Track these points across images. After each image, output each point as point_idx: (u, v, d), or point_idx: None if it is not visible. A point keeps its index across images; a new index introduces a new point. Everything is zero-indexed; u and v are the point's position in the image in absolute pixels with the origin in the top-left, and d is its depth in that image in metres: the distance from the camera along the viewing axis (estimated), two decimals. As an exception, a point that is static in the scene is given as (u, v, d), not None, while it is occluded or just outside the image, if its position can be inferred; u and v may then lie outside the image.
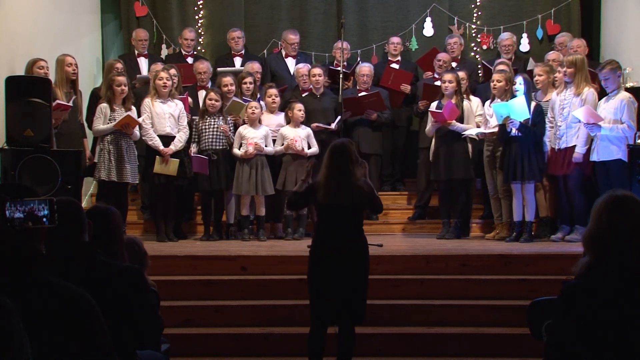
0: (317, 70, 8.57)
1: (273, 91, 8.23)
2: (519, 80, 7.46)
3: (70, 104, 7.47)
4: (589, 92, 7.28)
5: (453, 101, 7.79)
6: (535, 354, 4.26)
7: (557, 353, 2.70)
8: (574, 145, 7.30)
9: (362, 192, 4.86)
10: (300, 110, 8.01)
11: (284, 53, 9.42)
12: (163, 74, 7.78)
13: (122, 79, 7.61)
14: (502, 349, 5.47)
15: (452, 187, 7.91)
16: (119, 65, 8.20)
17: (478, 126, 7.84)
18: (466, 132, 7.73)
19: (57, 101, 7.22)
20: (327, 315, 4.83)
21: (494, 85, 7.69)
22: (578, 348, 2.65)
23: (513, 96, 7.48)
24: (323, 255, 4.84)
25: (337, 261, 4.77)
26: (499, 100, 7.67)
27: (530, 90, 7.55)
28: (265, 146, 7.90)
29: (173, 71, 8.00)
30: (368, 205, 5.07)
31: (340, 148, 4.90)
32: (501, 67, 7.95)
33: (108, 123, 7.51)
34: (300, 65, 8.92)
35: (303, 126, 8.09)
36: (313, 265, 4.89)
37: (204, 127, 7.94)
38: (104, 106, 7.56)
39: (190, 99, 8.31)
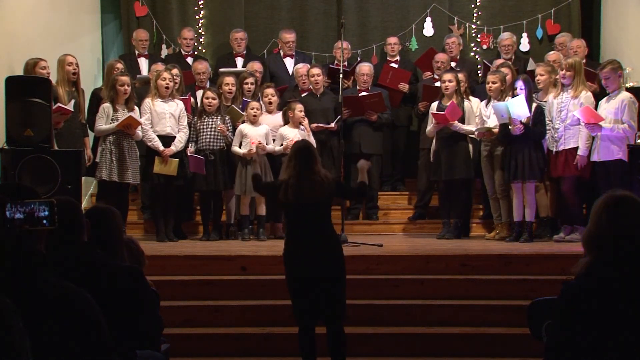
0: (316, 70, 8.57)
1: (269, 91, 8.22)
2: (519, 84, 7.47)
3: (71, 108, 7.46)
4: (586, 95, 7.29)
5: (454, 101, 7.79)
6: (535, 354, 4.26)
7: (557, 353, 2.70)
8: (572, 148, 7.31)
9: (327, 188, 4.85)
10: (301, 110, 8.01)
11: (282, 53, 9.42)
12: (166, 74, 7.78)
13: (125, 78, 7.62)
14: (502, 349, 5.47)
15: (453, 187, 7.91)
16: (120, 66, 8.21)
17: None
18: (466, 128, 7.73)
19: (58, 104, 7.22)
20: (309, 315, 4.83)
21: (489, 86, 7.69)
22: (578, 348, 2.65)
23: (514, 97, 7.48)
24: (295, 256, 4.83)
25: (310, 261, 4.75)
26: (495, 101, 7.68)
27: (532, 91, 7.56)
28: (267, 145, 7.90)
29: (175, 71, 8.00)
30: (345, 195, 5.13)
31: (302, 147, 4.97)
32: (502, 68, 7.95)
33: (110, 123, 7.52)
34: (300, 65, 8.93)
35: (302, 127, 8.08)
36: (287, 268, 4.88)
37: (202, 126, 7.94)
38: (106, 106, 7.57)
39: (192, 99, 8.32)
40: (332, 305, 4.79)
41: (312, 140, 8.01)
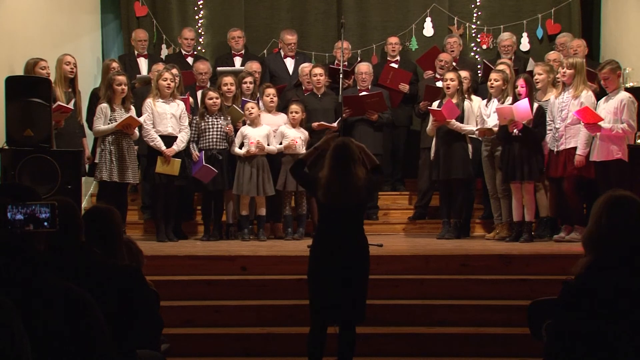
0: (318, 70, 8.57)
1: (271, 90, 8.23)
2: (520, 83, 7.47)
3: (71, 106, 7.47)
4: (587, 94, 7.29)
5: (454, 100, 7.79)
6: (535, 354, 4.26)
7: (557, 353, 2.70)
8: (572, 147, 7.31)
9: (364, 191, 4.85)
10: (294, 112, 7.99)
11: (282, 53, 9.43)
12: (167, 75, 7.77)
13: (122, 78, 7.61)
14: (502, 349, 5.47)
15: (451, 187, 7.92)
16: (115, 65, 8.21)
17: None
18: (466, 128, 7.73)
19: (58, 103, 7.22)
20: (327, 315, 4.83)
21: (491, 84, 7.71)
22: (578, 348, 2.65)
23: (515, 98, 7.47)
24: (323, 254, 4.83)
25: (337, 260, 4.75)
26: (495, 100, 7.69)
27: (533, 91, 7.56)
28: (268, 145, 7.91)
29: (175, 71, 8.00)
30: (373, 189, 5.06)
31: (343, 148, 4.89)
32: (500, 67, 7.98)
33: (109, 123, 7.52)
34: (305, 64, 8.93)
35: (302, 129, 8.08)
36: (313, 265, 4.88)
37: (206, 127, 7.93)
38: (104, 106, 7.56)
39: (191, 99, 8.32)
40: (352, 307, 4.79)
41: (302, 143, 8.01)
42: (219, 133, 7.90)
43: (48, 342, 2.36)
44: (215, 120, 7.93)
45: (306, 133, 8.09)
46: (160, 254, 6.65)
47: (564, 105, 7.39)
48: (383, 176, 5.31)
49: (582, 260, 2.79)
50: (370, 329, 5.61)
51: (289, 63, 9.33)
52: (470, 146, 7.85)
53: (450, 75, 7.90)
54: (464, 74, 8.10)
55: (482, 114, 7.79)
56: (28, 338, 2.19)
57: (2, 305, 2.14)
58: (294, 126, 8.02)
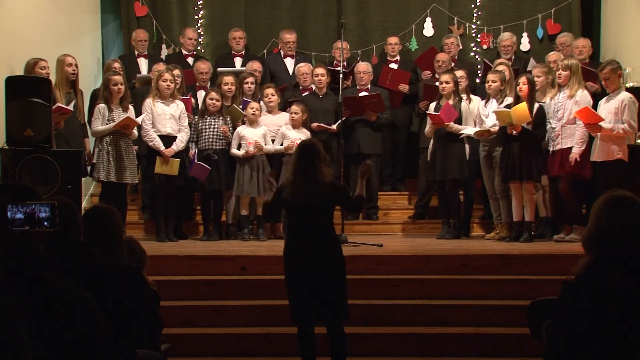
0: (320, 70, 8.56)
1: (269, 90, 8.23)
2: (522, 80, 7.47)
3: (71, 108, 7.47)
4: (583, 94, 7.29)
5: (451, 102, 7.78)
6: (535, 354, 4.27)
7: (557, 353, 2.70)
8: (568, 147, 7.31)
9: (330, 190, 4.83)
10: (294, 113, 7.98)
11: (282, 53, 9.43)
12: (167, 76, 7.78)
13: (118, 78, 7.63)
14: (502, 349, 5.47)
15: (448, 188, 7.91)
16: (117, 65, 8.22)
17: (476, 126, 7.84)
18: (464, 132, 7.73)
19: (58, 104, 7.22)
20: (307, 316, 4.82)
21: (489, 85, 7.72)
22: (578, 348, 2.65)
23: (516, 97, 7.46)
24: (295, 256, 4.82)
25: (310, 261, 4.74)
26: (494, 100, 7.68)
27: (534, 91, 7.55)
28: (265, 145, 7.91)
29: (177, 72, 8.00)
30: (343, 204, 5.08)
31: (308, 147, 4.92)
32: (499, 67, 7.98)
33: (107, 123, 7.52)
34: (302, 64, 8.93)
35: (304, 130, 8.07)
36: (287, 267, 4.87)
37: (204, 126, 7.94)
38: (101, 107, 7.57)
39: (193, 100, 8.32)
40: (332, 306, 4.78)
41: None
42: (215, 133, 7.91)
43: (48, 342, 2.36)
44: (213, 120, 7.94)
45: (308, 134, 8.08)
46: (160, 254, 6.65)
47: (560, 106, 7.40)
48: (361, 208, 5.32)
49: (582, 260, 2.78)
50: (370, 329, 5.62)
51: (289, 63, 9.33)
52: (467, 147, 7.84)
53: (445, 77, 7.88)
54: (459, 73, 8.10)
55: (481, 114, 7.80)
56: (28, 338, 2.19)
57: (2, 305, 2.14)
58: (294, 127, 8.02)
